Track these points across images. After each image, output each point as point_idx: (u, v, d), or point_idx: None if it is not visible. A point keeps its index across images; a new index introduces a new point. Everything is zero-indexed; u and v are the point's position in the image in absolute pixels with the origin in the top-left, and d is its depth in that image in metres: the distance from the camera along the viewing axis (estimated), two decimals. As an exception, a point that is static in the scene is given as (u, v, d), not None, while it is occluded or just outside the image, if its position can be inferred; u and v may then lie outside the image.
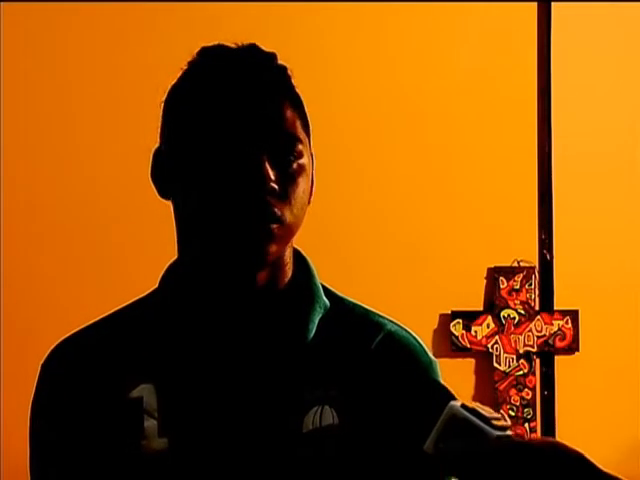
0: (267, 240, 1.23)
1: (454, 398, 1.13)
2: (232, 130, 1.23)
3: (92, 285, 3.04)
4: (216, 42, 1.33)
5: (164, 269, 1.36)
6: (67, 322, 1.46)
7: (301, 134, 1.27)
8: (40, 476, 1.32)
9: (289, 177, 1.25)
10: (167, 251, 1.40)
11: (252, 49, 1.29)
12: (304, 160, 1.27)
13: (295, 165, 1.26)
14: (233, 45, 1.29)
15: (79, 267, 3.07)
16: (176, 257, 1.35)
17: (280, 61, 1.30)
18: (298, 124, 1.27)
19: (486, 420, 1.10)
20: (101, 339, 1.32)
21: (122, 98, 3.09)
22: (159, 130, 1.32)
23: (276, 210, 1.23)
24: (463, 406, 1.12)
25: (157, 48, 3.09)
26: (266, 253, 1.24)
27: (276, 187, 1.22)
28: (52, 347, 1.35)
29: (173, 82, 1.33)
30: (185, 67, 1.31)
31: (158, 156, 1.32)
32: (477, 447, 1.08)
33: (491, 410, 1.12)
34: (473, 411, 1.11)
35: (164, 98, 1.32)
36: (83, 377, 1.30)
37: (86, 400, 1.29)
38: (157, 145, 1.33)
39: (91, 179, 3.08)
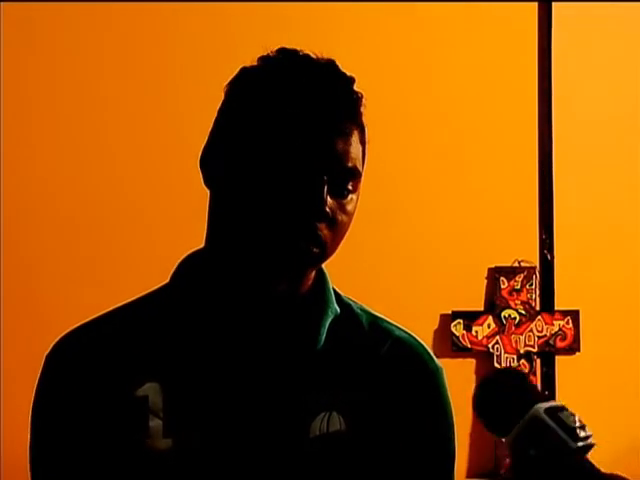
0: (304, 261, 1.24)
1: (543, 399, 1.13)
2: (301, 147, 1.22)
3: (96, 280, 3.04)
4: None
5: (175, 265, 1.35)
6: (72, 317, 1.45)
7: (361, 168, 1.27)
8: (40, 473, 1.31)
9: (340, 207, 1.25)
10: (175, 248, 1.40)
11: (334, 67, 1.27)
12: (356, 194, 1.28)
13: (349, 197, 1.26)
14: (312, 55, 1.27)
15: (83, 261, 3.07)
16: (189, 253, 1.34)
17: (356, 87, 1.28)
18: (360, 157, 1.27)
19: (568, 429, 1.09)
20: (109, 333, 1.31)
21: (122, 97, 3.09)
22: (217, 116, 1.30)
23: (322, 235, 1.23)
24: (549, 410, 1.11)
25: (158, 48, 3.09)
26: (299, 273, 1.26)
27: (329, 213, 1.23)
28: (57, 340, 1.34)
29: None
30: (258, 61, 1.28)
31: (213, 144, 1.29)
32: (551, 456, 1.07)
33: (578, 418, 1.11)
34: (557, 418, 1.10)
35: (227, 86, 1.29)
36: (88, 372, 1.28)
37: (90, 396, 1.27)
38: (211, 130, 1.30)
39: (91, 178, 3.08)
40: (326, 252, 1.25)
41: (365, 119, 1.30)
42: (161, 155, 2.98)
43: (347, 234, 1.31)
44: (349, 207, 1.26)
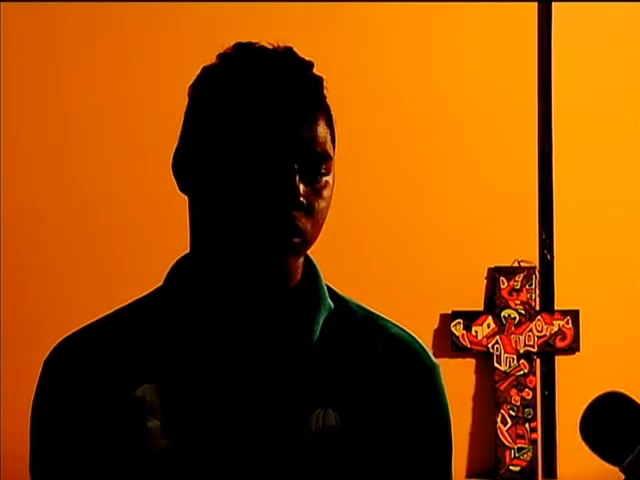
0: (287, 253, 1.24)
1: None
2: (266, 139, 1.22)
3: (94, 283, 3.04)
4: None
5: (169, 267, 1.36)
6: (69, 320, 1.46)
7: (331, 150, 1.27)
8: (41, 476, 1.32)
9: (315, 192, 1.25)
10: (171, 249, 1.40)
11: (290, 54, 1.28)
12: (330, 176, 1.28)
13: (323, 181, 1.26)
14: (269, 45, 1.28)
15: (81, 264, 3.07)
16: (182, 255, 1.34)
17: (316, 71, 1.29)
18: (329, 140, 1.27)
19: None
20: (105, 337, 1.32)
21: (122, 98, 3.09)
22: (183, 120, 1.31)
23: (300, 224, 1.23)
24: None
25: (158, 48, 3.09)
26: (285, 265, 1.26)
27: (304, 202, 1.23)
28: (55, 344, 1.35)
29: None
30: (217, 59, 1.28)
31: (182, 149, 1.30)
32: None
33: None
34: None
35: (190, 88, 1.30)
36: (86, 376, 1.29)
37: (89, 399, 1.28)
38: (179, 136, 1.31)
39: (91, 178, 3.08)
40: (307, 240, 1.25)
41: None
42: (161, 157, 2.97)
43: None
44: (325, 192, 1.26)
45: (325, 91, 1.28)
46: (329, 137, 1.27)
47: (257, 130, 1.22)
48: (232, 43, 1.30)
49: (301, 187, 1.22)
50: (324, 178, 1.26)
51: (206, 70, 1.29)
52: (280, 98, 1.23)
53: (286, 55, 1.27)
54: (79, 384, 1.29)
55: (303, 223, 1.23)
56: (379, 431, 1.28)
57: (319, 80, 1.28)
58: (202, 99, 1.28)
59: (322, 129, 1.26)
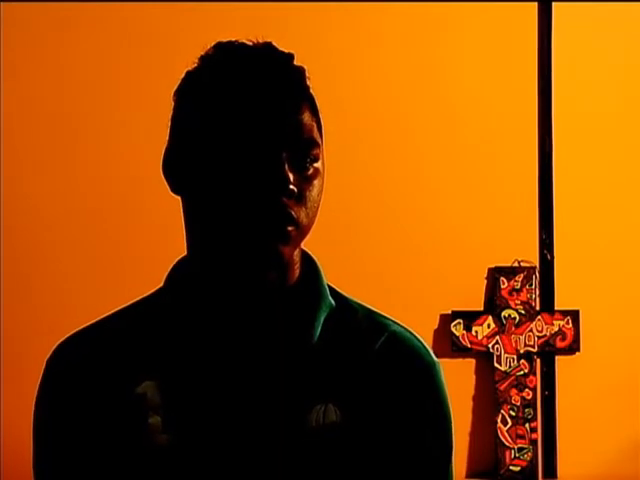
0: (282, 242, 1.25)
1: None
2: (253, 130, 1.24)
3: (96, 284, 3.04)
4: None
5: (170, 267, 1.36)
6: (71, 321, 1.47)
7: (318, 138, 1.29)
8: (44, 471, 1.33)
9: (306, 180, 1.26)
10: (171, 250, 1.41)
11: (270, 48, 1.29)
12: (319, 163, 1.29)
13: (312, 168, 1.27)
14: (249, 42, 1.29)
15: (83, 265, 3.07)
16: (182, 256, 1.35)
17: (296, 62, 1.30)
18: (315, 127, 1.29)
19: None
20: (107, 336, 1.33)
21: (122, 98, 3.09)
22: (170, 124, 1.32)
23: (293, 212, 1.24)
24: None
25: (158, 48, 3.09)
26: (280, 254, 1.26)
27: (295, 189, 1.24)
28: (57, 343, 1.36)
29: (180, 79, 1.33)
30: (198, 61, 1.30)
31: (171, 151, 1.31)
32: None
33: None
34: None
35: (175, 93, 1.32)
36: (88, 373, 1.31)
37: (91, 396, 1.30)
38: (167, 140, 1.32)
39: (93, 177, 3.09)
40: (300, 229, 1.26)
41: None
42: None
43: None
44: (315, 180, 1.28)
45: (308, 81, 1.29)
46: (315, 125, 1.29)
47: (244, 123, 1.24)
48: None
49: (291, 175, 1.23)
50: (312, 165, 1.27)
51: (189, 73, 1.31)
52: (264, 91, 1.25)
53: (266, 49, 1.29)
54: (81, 382, 1.31)
55: (295, 211, 1.24)
56: (380, 427, 1.29)
57: (301, 71, 1.29)
58: (188, 99, 1.30)
59: (308, 117, 1.27)
